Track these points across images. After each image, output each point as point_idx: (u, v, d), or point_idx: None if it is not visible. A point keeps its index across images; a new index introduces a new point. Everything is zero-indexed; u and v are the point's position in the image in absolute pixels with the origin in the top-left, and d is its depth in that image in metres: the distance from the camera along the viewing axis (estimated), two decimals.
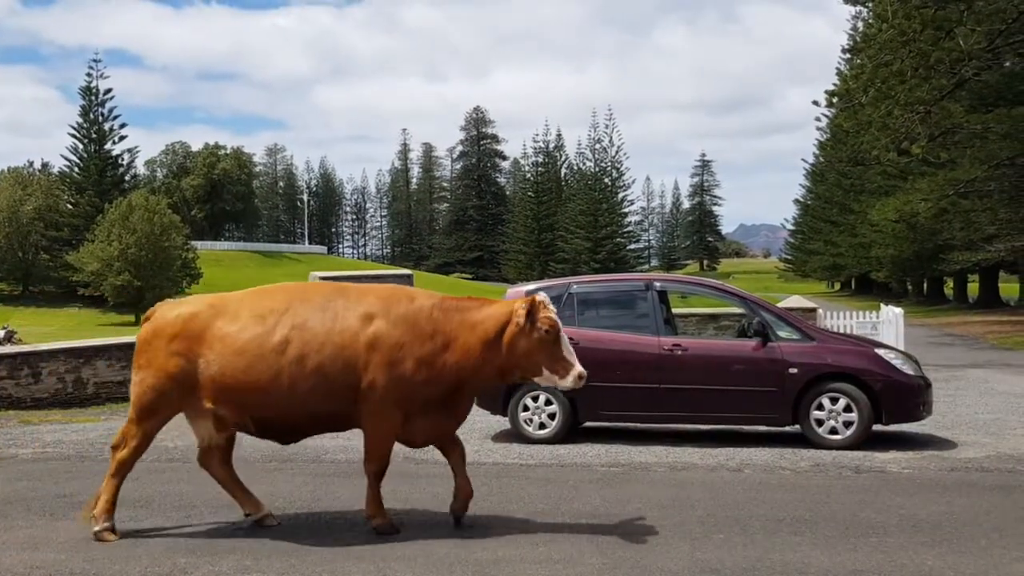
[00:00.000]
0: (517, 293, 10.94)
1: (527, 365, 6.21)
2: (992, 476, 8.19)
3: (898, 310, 18.96)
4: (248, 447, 10.34)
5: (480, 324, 6.26)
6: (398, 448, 10.02)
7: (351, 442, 10.48)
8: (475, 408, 11.23)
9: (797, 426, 9.60)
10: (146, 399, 6.37)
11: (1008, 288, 53.17)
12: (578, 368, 6.12)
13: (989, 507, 6.97)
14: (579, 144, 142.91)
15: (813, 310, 16.74)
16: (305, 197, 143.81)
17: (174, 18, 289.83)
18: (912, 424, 10.02)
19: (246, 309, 6.36)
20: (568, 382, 6.14)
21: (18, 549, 6.09)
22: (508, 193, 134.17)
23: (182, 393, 6.31)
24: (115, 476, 6.42)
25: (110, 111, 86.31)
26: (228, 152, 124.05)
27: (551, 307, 6.25)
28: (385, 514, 6.45)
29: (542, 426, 10.13)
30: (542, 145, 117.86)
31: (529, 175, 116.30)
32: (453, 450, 6.57)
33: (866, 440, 9.37)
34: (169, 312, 6.51)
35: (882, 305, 22.18)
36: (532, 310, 6.13)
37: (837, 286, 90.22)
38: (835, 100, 25.50)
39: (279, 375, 6.09)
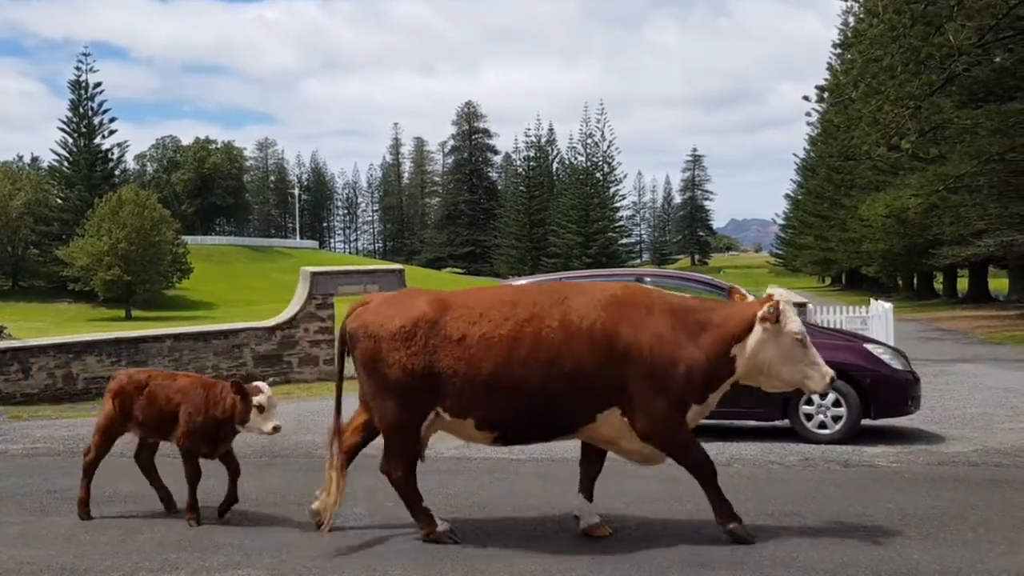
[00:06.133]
0: None
1: None
2: (980, 471, 8.24)
3: (887, 305, 19.02)
4: (240, 442, 10.32)
5: None
6: None
7: None
8: None
9: (786, 420, 9.64)
10: None
11: (997, 283, 53.38)
12: None
13: (976, 501, 7.02)
14: (571, 139, 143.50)
15: (803, 305, 16.77)
16: (296, 191, 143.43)
17: (159, 10, 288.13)
18: (900, 419, 10.06)
19: None
20: None
21: (8, 545, 6.09)
22: (500, 188, 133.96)
23: None
24: None
25: (100, 105, 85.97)
26: (219, 146, 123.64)
27: None
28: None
29: None
30: (534, 140, 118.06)
31: (521, 170, 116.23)
32: None
33: (855, 435, 9.42)
34: None
35: (872, 300, 22.24)
36: None
37: (828, 281, 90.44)
38: (825, 95, 25.51)
39: None
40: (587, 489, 6.21)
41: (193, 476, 6.60)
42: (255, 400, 6.34)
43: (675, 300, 6.19)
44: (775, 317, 5.82)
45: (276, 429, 6.36)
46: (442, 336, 5.89)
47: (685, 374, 5.85)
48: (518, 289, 6.35)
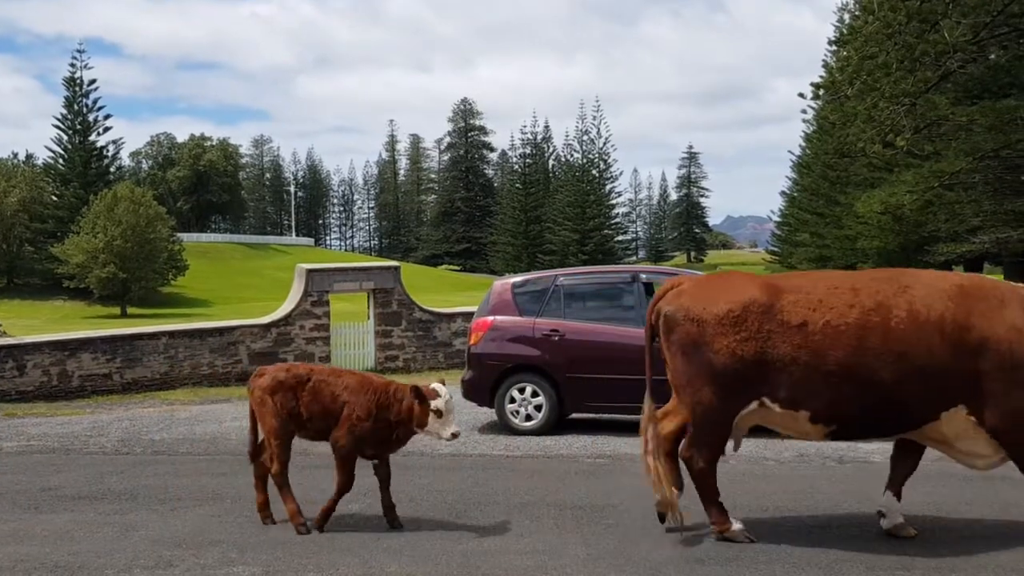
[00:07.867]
0: (504, 285, 10.96)
1: None
2: None
3: None
4: (236, 440, 10.32)
5: None
6: None
7: None
8: (462, 400, 11.28)
9: None
10: None
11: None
12: None
13: (971, 497, 7.05)
14: (567, 136, 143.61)
15: None
16: (292, 188, 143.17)
17: (152, 6, 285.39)
18: None
19: None
20: None
21: (3, 542, 6.07)
22: (496, 185, 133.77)
23: None
24: None
25: (94, 102, 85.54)
26: (214, 143, 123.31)
27: None
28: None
29: (528, 418, 10.17)
30: (530, 137, 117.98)
31: (517, 167, 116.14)
32: None
33: None
34: None
35: None
36: None
37: None
38: (821, 92, 25.52)
39: None
40: (897, 488, 6.02)
41: (347, 481, 6.21)
42: (433, 404, 5.96)
43: None
44: None
45: (455, 435, 5.97)
46: (778, 322, 5.63)
47: None
48: (852, 275, 5.98)
